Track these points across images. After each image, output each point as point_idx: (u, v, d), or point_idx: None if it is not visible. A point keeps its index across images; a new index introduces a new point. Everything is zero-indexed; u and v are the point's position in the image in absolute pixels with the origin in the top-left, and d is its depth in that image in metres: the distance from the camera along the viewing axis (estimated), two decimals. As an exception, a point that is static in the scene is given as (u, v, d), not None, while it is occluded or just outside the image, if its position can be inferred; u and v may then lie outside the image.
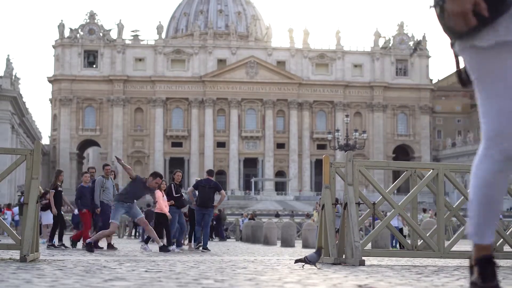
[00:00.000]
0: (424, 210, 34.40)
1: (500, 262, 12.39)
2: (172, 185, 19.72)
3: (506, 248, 12.58)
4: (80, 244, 19.41)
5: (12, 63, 78.52)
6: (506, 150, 3.76)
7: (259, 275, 7.71)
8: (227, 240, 44.73)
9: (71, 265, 9.02)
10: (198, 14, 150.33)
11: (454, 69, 4.10)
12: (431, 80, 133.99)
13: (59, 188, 20.08)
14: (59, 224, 20.03)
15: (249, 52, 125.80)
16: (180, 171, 20.94)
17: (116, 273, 7.57)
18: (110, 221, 16.34)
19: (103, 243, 19.82)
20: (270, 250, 20.30)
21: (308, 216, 60.21)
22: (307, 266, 9.16)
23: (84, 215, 19.67)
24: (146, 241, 20.17)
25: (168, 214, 19.03)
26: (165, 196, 19.29)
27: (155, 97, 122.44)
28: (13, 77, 79.06)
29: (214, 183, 19.90)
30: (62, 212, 20.94)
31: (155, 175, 17.12)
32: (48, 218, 26.44)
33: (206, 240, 19.57)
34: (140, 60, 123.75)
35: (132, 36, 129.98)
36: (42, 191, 26.46)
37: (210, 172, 20.60)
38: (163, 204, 18.99)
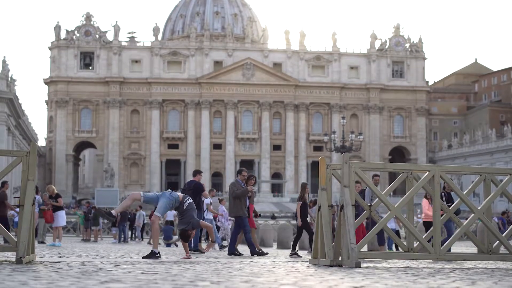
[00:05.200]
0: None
1: (496, 264, 12.41)
2: (443, 194, 18.79)
3: (502, 250, 12.59)
4: None
5: (8, 64, 78.25)
6: None
7: (255, 277, 7.70)
8: (223, 242, 44.67)
9: (67, 267, 9.00)
10: (194, 16, 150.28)
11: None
12: (427, 82, 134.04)
13: (307, 201, 20.20)
14: (301, 233, 19.90)
15: (246, 54, 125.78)
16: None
17: (112, 275, 7.56)
18: None
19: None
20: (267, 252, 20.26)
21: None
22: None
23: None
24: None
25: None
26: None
27: (151, 99, 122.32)
28: (9, 78, 78.86)
29: (194, 184, 19.88)
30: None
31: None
32: (62, 220, 26.12)
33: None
34: (136, 61, 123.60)
35: (128, 37, 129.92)
36: (55, 191, 26.32)
37: (193, 173, 20.73)
38: (429, 212, 18.85)
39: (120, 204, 14.75)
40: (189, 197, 14.51)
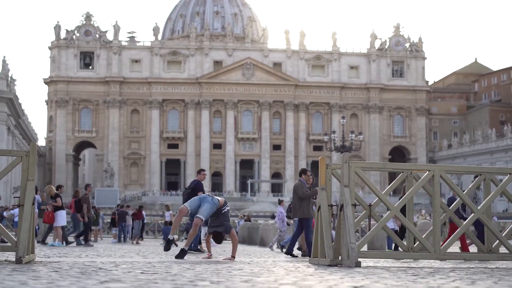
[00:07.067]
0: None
1: (496, 264, 12.40)
2: None
3: (502, 249, 12.60)
4: None
5: (8, 64, 78.30)
6: None
7: (255, 277, 7.71)
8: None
9: (66, 267, 9.00)
10: (194, 16, 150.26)
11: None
12: (427, 82, 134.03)
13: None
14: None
15: (246, 54, 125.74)
16: None
17: (112, 274, 7.56)
18: None
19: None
20: (266, 252, 20.28)
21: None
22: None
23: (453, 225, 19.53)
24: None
25: None
26: None
27: (151, 98, 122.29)
28: (9, 78, 78.89)
29: (195, 183, 19.78)
30: None
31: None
32: (62, 220, 25.97)
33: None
34: (136, 61, 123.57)
35: (128, 37, 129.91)
36: (54, 191, 25.94)
37: (197, 172, 20.68)
38: None
39: (172, 226, 15.33)
40: (228, 204, 14.90)
